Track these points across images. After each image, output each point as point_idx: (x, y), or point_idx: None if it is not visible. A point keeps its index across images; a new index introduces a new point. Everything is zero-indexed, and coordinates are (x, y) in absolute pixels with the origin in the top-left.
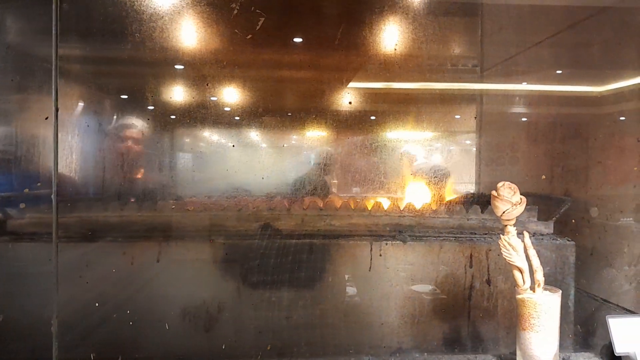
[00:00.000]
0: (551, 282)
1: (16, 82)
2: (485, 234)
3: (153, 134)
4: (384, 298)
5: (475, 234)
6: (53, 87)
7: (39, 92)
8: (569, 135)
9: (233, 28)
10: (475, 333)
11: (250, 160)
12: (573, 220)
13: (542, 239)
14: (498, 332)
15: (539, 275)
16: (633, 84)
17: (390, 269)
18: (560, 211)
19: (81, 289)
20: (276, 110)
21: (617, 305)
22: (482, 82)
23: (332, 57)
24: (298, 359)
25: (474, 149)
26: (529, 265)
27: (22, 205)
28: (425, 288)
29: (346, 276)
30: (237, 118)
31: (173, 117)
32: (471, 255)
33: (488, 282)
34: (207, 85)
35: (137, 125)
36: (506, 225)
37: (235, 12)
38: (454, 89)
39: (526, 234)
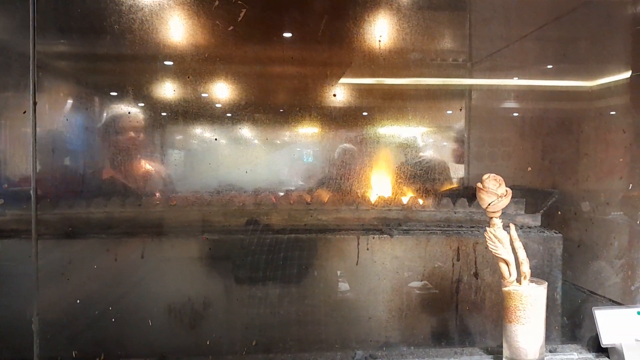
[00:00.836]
0: (538, 274)
1: None
2: (473, 227)
3: (134, 128)
4: (371, 292)
5: (463, 227)
6: (31, 80)
7: (16, 87)
8: (556, 128)
9: (214, 20)
10: (462, 326)
11: (233, 154)
12: (559, 212)
13: (529, 231)
14: (485, 325)
15: (525, 268)
16: (618, 79)
17: (378, 263)
18: (547, 204)
19: (64, 286)
20: (260, 103)
21: (604, 297)
22: (471, 76)
23: (317, 51)
24: (284, 354)
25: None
26: (515, 257)
27: (0, 201)
28: (413, 281)
29: (338, 272)
30: (225, 113)
31: (154, 110)
32: (458, 248)
33: (475, 275)
34: (189, 77)
35: (120, 119)
36: (492, 218)
37: (217, 3)
38: (441, 84)
39: (512, 226)
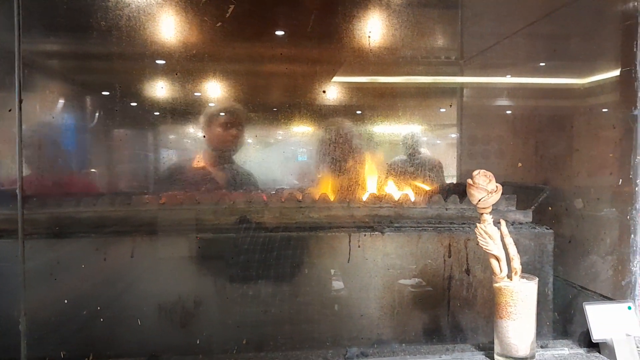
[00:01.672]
0: (530, 270)
1: None
2: (464, 223)
3: (121, 126)
4: (363, 289)
5: (454, 223)
6: (16, 78)
7: (1, 85)
8: (548, 125)
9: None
10: (454, 323)
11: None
12: (550, 208)
13: (520, 227)
14: (477, 321)
15: (516, 263)
16: (609, 76)
17: (369, 260)
18: (538, 200)
19: (52, 286)
20: (248, 100)
21: (595, 293)
22: (462, 74)
23: (306, 47)
24: (276, 353)
25: (455, 139)
26: (506, 253)
27: None
28: (404, 278)
29: (330, 270)
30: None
31: (138, 105)
32: (450, 245)
33: (467, 271)
34: (177, 74)
35: (106, 117)
36: (482, 214)
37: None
38: (433, 82)
39: (503, 222)
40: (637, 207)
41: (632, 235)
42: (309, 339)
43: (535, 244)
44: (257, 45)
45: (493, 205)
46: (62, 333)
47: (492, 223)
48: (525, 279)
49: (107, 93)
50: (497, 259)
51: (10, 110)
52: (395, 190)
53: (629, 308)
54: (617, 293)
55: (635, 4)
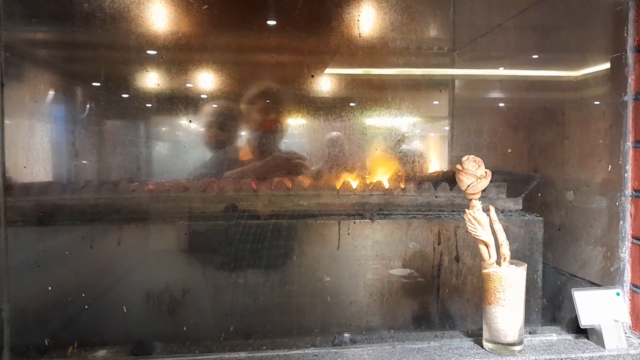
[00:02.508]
0: (520, 257)
1: None
2: (454, 210)
3: (105, 114)
4: (352, 277)
5: (444, 211)
6: None
7: None
8: (537, 112)
9: None
10: (443, 310)
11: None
12: (540, 195)
13: (510, 215)
14: (466, 308)
15: (505, 249)
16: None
17: (359, 248)
18: (528, 188)
19: (38, 274)
20: (238, 88)
21: (584, 279)
22: (454, 66)
23: (295, 37)
24: (264, 340)
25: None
26: (495, 239)
27: None
28: (394, 266)
29: (319, 257)
30: (201, 96)
31: (126, 95)
32: (439, 232)
33: (456, 259)
34: (162, 58)
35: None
36: (471, 200)
37: None
38: (425, 74)
39: (492, 208)
40: (626, 193)
41: (621, 222)
42: (298, 326)
43: (525, 232)
44: (246, 32)
45: (484, 193)
46: (46, 321)
47: (481, 209)
48: (514, 265)
49: (96, 84)
50: (486, 245)
51: None
52: (386, 178)
53: (618, 294)
54: (605, 279)
55: None
